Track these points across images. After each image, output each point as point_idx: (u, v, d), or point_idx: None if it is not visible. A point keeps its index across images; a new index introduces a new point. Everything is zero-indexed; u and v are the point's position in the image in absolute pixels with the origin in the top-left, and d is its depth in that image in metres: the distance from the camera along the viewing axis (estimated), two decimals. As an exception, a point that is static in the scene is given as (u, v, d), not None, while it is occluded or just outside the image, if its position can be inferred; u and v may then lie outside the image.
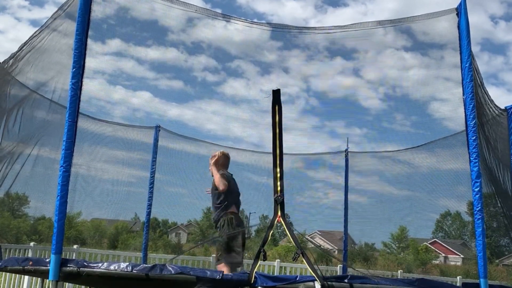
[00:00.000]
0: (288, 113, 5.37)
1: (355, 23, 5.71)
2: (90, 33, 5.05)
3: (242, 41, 5.87)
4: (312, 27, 6.06)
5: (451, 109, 6.52)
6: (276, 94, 5.30)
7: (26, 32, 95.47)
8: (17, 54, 6.24)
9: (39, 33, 6.00)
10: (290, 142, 5.31)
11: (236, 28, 5.74)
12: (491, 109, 6.30)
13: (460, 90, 5.17)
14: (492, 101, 6.30)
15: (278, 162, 5.30)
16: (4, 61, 6.45)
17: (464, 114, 5.05)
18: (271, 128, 5.33)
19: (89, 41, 5.02)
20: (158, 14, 5.82)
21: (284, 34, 5.84)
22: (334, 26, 5.78)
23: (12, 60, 6.34)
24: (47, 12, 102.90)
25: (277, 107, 5.28)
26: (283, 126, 5.31)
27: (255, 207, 10.82)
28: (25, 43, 6.16)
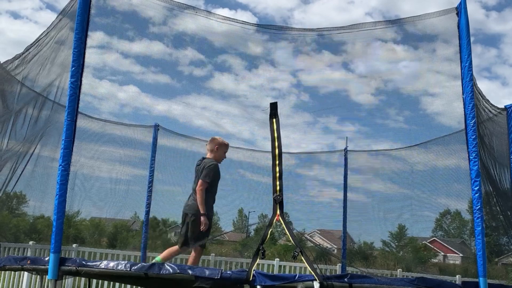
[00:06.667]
0: (279, 109, 5.40)
1: (349, 25, 5.67)
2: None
3: (226, 31, 5.82)
4: (306, 29, 6.01)
5: (444, 103, 6.50)
6: (273, 106, 5.39)
7: (6, 24, 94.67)
8: (24, 55, 6.26)
9: (46, 34, 6.02)
10: (283, 139, 5.34)
11: (219, 16, 5.68)
12: (485, 109, 6.30)
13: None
14: (487, 100, 6.30)
15: (277, 162, 5.32)
16: (6, 61, 6.46)
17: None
18: (270, 133, 5.39)
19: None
20: (135, 3, 5.76)
21: (269, 24, 5.81)
22: (329, 28, 5.77)
23: (17, 61, 6.36)
24: (27, 3, 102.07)
25: (274, 120, 5.36)
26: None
27: (253, 205, 10.83)
28: (31, 45, 6.18)
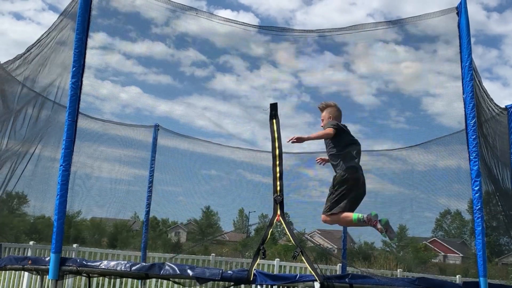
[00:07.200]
0: (280, 109, 5.42)
1: (350, 26, 5.68)
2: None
3: (228, 33, 5.84)
4: (307, 30, 6.03)
5: (444, 104, 6.51)
6: (273, 107, 5.40)
7: (9, 25, 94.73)
8: (25, 56, 6.27)
9: (47, 35, 6.03)
10: (284, 139, 5.36)
11: (220, 18, 5.70)
12: (490, 108, 6.30)
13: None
14: (491, 99, 6.30)
15: (277, 162, 5.33)
16: (7, 62, 6.47)
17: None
18: (270, 132, 5.41)
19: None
20: (138, 4, 5.79)
21: (271, 25, 5.84)
22: (330, 29, 5.78)
23: (19, 61, 6.37)
24: (30, 4, 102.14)
25: (274, 120, 5.37)
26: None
27: (253, 205, 10.83)
28: (32, 45, 6.19)
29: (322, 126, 6.02)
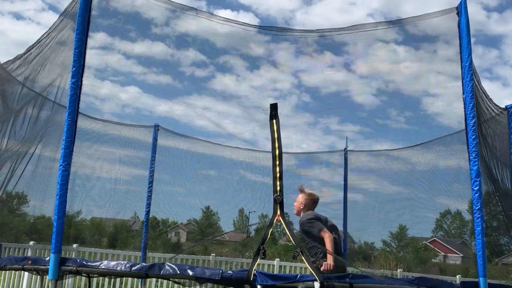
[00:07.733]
0: (280, 110, 5.43)
1: (350, 26, 5.69)
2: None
3: (228, 33, 5.86)
4: (307, 30, 6.05)
5: (444, 104, 6.54)
6: (273, 107, 5.43)
7: (9, 25, 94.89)
8: (26, 56, 6.27)
9: (47, 35, 6.03)
10: (284, 139, 5.37)
11: (220, 18, 5.72)
12: (489, 108, 6.31)
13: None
14: (490, 99, 6.31)
15: (277, 162, 5.33)
16: (7, 62, 6.47)
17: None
18: (270, 133, 5.43)
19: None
20: (138, 4, 5.80)
21: (271, 25, 5.85)
22: (330, 29, 5.79)
23: (19, 61, 6.37)
24: (30, 4, 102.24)
25: (274, 120, 5.40)
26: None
27: (253, 205, 10.83)
28: (33, 45, 6.19)
29: (294, 204, 6.40)
